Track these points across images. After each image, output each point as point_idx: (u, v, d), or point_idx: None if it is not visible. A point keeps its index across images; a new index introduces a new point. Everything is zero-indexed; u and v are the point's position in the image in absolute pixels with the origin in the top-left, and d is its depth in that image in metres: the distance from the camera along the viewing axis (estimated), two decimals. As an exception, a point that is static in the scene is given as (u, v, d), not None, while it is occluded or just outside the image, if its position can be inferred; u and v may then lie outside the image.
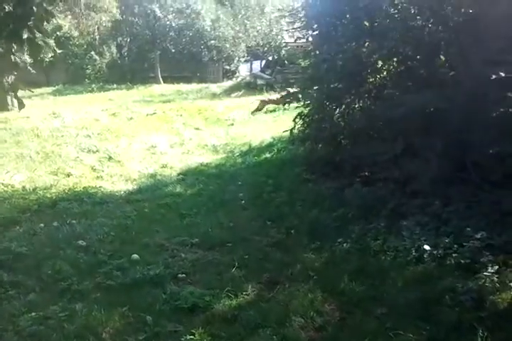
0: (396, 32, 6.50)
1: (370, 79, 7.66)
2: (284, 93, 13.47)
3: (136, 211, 7.19)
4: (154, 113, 15.07)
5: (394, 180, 6.84)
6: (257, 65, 22.82)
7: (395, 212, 6.19)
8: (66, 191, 8.15)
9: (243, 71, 26.88)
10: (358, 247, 5.49)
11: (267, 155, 10.04)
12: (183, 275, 5.16)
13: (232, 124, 13.39)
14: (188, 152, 10.79)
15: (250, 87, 18.53)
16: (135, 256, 5.62)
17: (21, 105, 5.73)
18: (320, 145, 8.34)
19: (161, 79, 24.07)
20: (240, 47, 23.71)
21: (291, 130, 9.34)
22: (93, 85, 23.19)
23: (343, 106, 7.58)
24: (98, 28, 27.23)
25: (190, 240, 6.02)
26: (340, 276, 4.86)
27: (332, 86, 7.60)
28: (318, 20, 8.09)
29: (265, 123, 13.43)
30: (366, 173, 7.45)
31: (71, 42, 26.54)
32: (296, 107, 9.78)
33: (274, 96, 15.62)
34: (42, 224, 6.76)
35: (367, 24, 7.54)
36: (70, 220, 6.85)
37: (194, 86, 22.11)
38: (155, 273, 5.09)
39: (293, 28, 18.68)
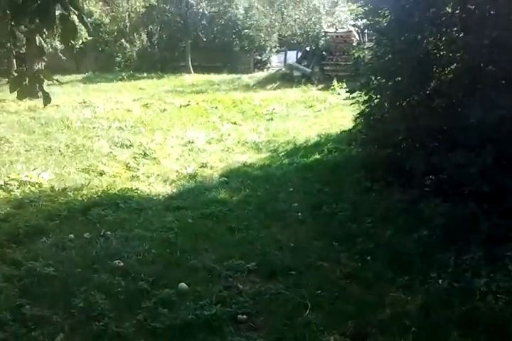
0: (499, 18, 5.22)
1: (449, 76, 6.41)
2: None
3: (179, 221, 6.08)
4: (188, 104, 13.92)
5: (483, 195, 5.61)
6: (291, 56, 21.46)
7: (491, 236, 4.99)
8: (99, 193, 7.08)
9: (274, 62, 25.56)
10: (457, 286, 4.31)
11: (317, 156, 8.84)
12: (244, 316, 4.05)
13: (272, 119, 12.18)
14: (228, 149, 9.64)
15: (286, 78, 17.22)
16: (183, 285, 4.53)
17: (47, 99, 4.55)
18: (381, 149, 7.12)
19: (191, 69, 22.86)
20: (272, 37, 22.37)
21: (350, 130, 8.16)
22: (123, 73, 22.05)
23: (418, 105, 6.32)
24: (129, 15, 26.05)
25: (245, 264, 4.90)
26: (447, 329, 3.70)
27: (406, 81, 6.34)
28: (391, 4, 6.79)
29: (306, 119, 12.20)
30: (443, 185, 6.22)
31: (101, 29, 25.39)
32: (351, 103, 8.54)
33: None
34: (72, 235, 5.72)
35: (449, 10, 6.29)
36: (104, 231, 5.79)
37: (225, 76, 20.85)
38: (210, 313, 4.00)
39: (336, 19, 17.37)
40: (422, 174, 6.67)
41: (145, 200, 6.89)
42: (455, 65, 5.99)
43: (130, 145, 9.74)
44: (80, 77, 21.90)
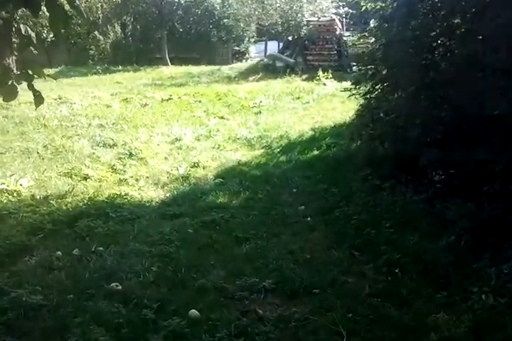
0: None
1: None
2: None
3: (178, 232, 5.42)
4: (170, 98, 13.13)
5: (508, 194, 5.12)
6: (272, 46, 20.75)
7: (526, 241, 4.51)
8: (85, 201, 6.36)
9: (253, 52, 24.81)
10: (504, 301, 3.79)
11: (315, 152, 8.25)
12: (272, 350, 3.46)
13: (260, 112, 11.52)
14: (219, 147, 8.96)
15: (269, 69, 16.51)
16: (194, 312, 3.90)
17: (39, 99, 3.76)
18: (389, 144, 6.56)
19: (168, 61, 21.91)
20: (251, 27, 21.58)
21: (349, 123, 7.59)
22: (98, 67, 20.96)
23: (434, 97, 5.74)
24: (102, 6, 24.86)
25: (260, 282, 4.29)
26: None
27: (420, 70, 5.75)
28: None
29: (296, 112, 11.58)
30: (460, 183, 5.71)
31: (73, 21, 24.19)
32: (350, 95, 7.96)
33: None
34: (59, 252, 5.02)
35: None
36: (96, 246, 5.10)
37: (204, 68, 19.98)
38: (233, 350, 3.39)
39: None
40: (436, 171, 6.18)
41: (137, 208, 6.20)
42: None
43: (113, 145, 8.97)
44: (52, 71, 20.63)
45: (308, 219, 5.70)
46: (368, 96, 7.44)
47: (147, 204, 6.39)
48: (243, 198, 6.46)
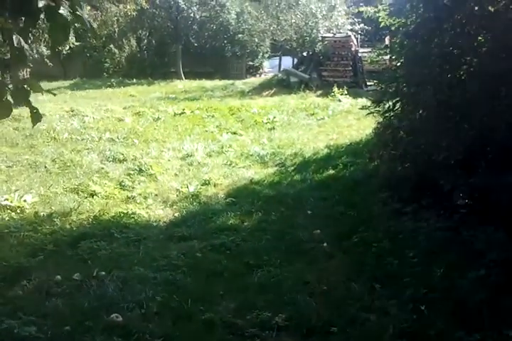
0: None
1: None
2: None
3: (186, 256, 5.05)
4: (183, 112, 12.85)
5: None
6: (286, 62, 20.52)
7: None
8: (90, 220, 6.04)
9: (266, 67, 24.63)
10: (546, 349, 3.36)
11: (331, 171, 7.86)
12: None
13: (274, 128, 11.19)
14: (231, 163, 8.61)
15: (282, 84, 16.22)
16: (200, 352, 3.50)
17: (36, 117, 3.42)
18: (412, 165, 6.17)
19: (182, 75, 21.78)
20: (265, 42, 21.39)
21: (367, 142, 7.22)
22: (112, 80, 20.86)
23: (463, 117, 5.34)
24: (117, 20, 24.90)
25: (273, 317, 3.89)
26: None
27: (446, 89, 5.38)
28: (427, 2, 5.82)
29: (310, 128, 11.23)
30: (489, 210, 5.28)
31: (89, 35, 24.22)
32: (369, 113, 7.59)
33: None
34: (59, 277, 4.67)
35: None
36: (98, 271, 4.74)
37: (218, 82, 19.79)
38: None
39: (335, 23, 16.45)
40: (462, 196, 5.77)
41: (144, 228, 5.85)
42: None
43: (123, 160, 8.67)
44: (67, 83, 20.71)
45: (325, 244, 5.29)
46: (388, 114, 7.08)
47: (154, 224, 6.04)
48: (255, 220, 6.08)
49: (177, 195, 7.07)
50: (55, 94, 3.55)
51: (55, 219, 6.02)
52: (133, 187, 7.34)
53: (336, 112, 12.55)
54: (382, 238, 5.25)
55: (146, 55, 24.54)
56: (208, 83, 19.62)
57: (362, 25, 16.81)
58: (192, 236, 5.59)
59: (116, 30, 25.00)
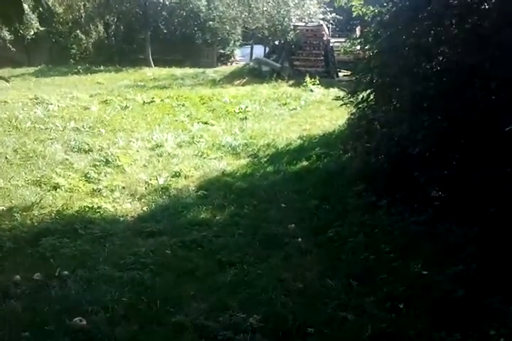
0: None
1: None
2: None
3: (154, 254, 4.79)
4: (152, 101, 12.43)
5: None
6: (258, 50, 20.15)
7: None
8: (53, 215, 5.69)
9: (237, 56, 24.24)
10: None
11: (304, 163, 7.67)
12: None
13: (245, 118, 10.91)
14: (202, 154, 8.32)
15: (254, 73, 15.91)
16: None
17: None
18: (385, 158, 6.02)
19: (151, 62, 21.18)
20: (237, 30, 20.97)
21: (340, 133, 7.06)
22: (79, 66, 20.11)
23: (439, 109, 5.19)
24: (84, 5, 24.02)
25: (247, 319, 3.68)
26: None
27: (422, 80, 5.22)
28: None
29: (283, 118, 10.99)
30: (464, 204, 5.17)
31: (55, 19, 23.25)
32: (342, 104, 7.41)
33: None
34: (18, 276, 4.35)
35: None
36: (60, 270, 4.44)
37: (188, 70, 19.32)
38: None
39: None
40: (436, 189, 5.67)
41: (110, 223, 5.54)
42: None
43: (89, 150, 8.28)
44: (31, 70, 19.86)
45: (300, 239, 5.10)
46: (362, 105, 6.91)
47: (121, 219, 5.74)
48: (228, 214, 5.84)
49: (146, 188, 6.77)
50: (8, 81, 3.22)
51: (15, 214, 5.65)
52: (99, 180, 6.99)
53: (308, 102, 12.35)
54: (358, 232, 5.09)
55: (114, 42, 23.81)
56: (178, 71, 19.14)
57: (334, 14, 16.61)
58: (161, 231, 5.31)
59: (83, 15, 24.13)
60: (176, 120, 10.71)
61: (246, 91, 13.89)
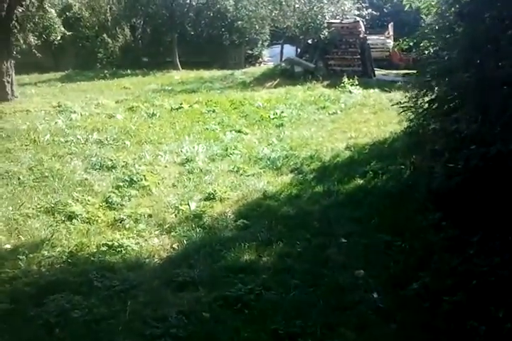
0: None
1: None
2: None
3: (188, 319, 3.55)
4: (180, 107, 11.25)
5: None
6: (288, 50, 18.84)
7: None
8: (64, 257, 4.52)
9: (266, 56, 22.94)
10: None
11: (359, 180, 6.33)
12: None
13: (282, 125, 9.63)
14: (238, 170, 7.08)
15: (286, 74, 14.59)
16: None
17: None
18: (472, 180, 4.65)
19: (179, 65, 20.06)
20: (265, 30, 19.67)
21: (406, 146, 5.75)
22: (105, 71, 19.12)
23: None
24: (110, 8, 23.07)
25: None
26: None
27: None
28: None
29: (323, 124, 9.66)
30: None
31: (81, 24, 22.39)
32: (403, 110, 6.07)
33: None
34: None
35: None
36: (66, 348, 3.25)
37: (216, 72, 18.10)
38: None
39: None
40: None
41: (133, 269, 4.33)
42: None
43: (112, 167, 7.11)
44: (58, 75, 18.94)
45: (375, 295, 3.80)
46: (433, 112, 5.57)
47: (147, 261, 4.52)
48: (277, 253, 4.56)
49: (175, 215, 5.55)
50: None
51: (21, 256, 4.50)
52: (122, 205, 5.80)
53: (348, 105, 10.98)
54: (452, 286, 3.75)
55: (141, 45, 22.86)
56: (205, 73, 17.95)
57: (369, 10, 15.13)
58: (196, 281, 4.07)
59: (109, 18, 23.22)
60: (207, 128, 9.48)
61: (279, 94, 12.58)
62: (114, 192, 6.15)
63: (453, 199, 4.85)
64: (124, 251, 4.64)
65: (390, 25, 21.69)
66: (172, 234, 5.08)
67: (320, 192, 6.11)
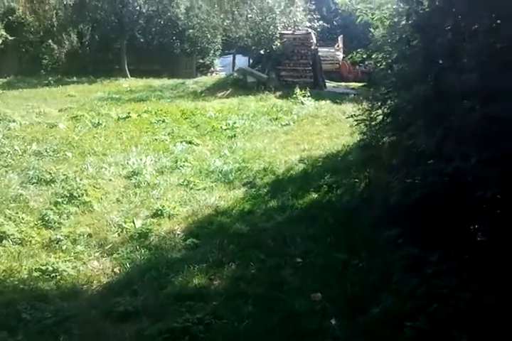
0: None
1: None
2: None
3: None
4: (128, 116, 10.74)
5: None
6: (240, 60, 18.63)
7: None
8: (-11, 285, 4.00)
9: (217, 66, 22.66)
10: None
11: (313, 195, 6.10)
12: None
13: (234, 136, 9.32)
14: (189, 183, 6.69)
15: (239, 84, 14.34)
16: None
17: None
18: (429, 196, 4.51)
19: (128, 73, 19.43)
20: (217, 39, 19.40)
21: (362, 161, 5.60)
22: (50, 78, 18.20)
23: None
24: (56, 14, 22.11)
25: None
26: None
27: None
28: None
29: (276, 136, 9.43)
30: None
31: (25, 29, 21.32)
32: (358, 123, 5.93)
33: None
34: None
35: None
36: None
37: (167, 81, 17.62)
38: None
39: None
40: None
41: (68, 298, 3.88)
42: None
43: (50, 181, 6.55)
44: (-1, 82, 17.89)
45: (334, 322, 3.53)
46: (388, 126, 5.44)
47: (84, 288, 4.07)
48: (229, 276, 4.23)
49: (118, 234, 5.12)
50: None
51: None
52: (59, 224, 5.30)
53: (301, 117, 10.82)
54: (414, 310, 3.54)
55: (88, 51, 21.95)
56: (155, 82, 17.45)
57: (321, 22, 15.18)
58: (139, 310, 3.68)
59: (55, 23, 22.24)
60: (156, 139, 9.04)
61: (232, 104, 12.29)
62: (51, 209, 5.63)
63: (410, 216, 4.70)
64: (58, 277, 4.17)
65: (340, 38, 21.97)
66: (114, 255, 4.65)
67: (274, 207, 5.83)
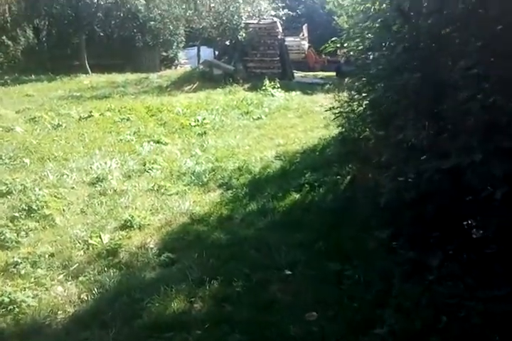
0: None
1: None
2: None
3: None
4: (90, 115, 10.04)
5: None
6: (205, 52, 17.92)
7: None
8: None
9: (182, 59, 21.88)
10: None
11: (295, 195, 5.65)
12: None
13: (205, 133, 8.77)
14: (159, 188, 6.14)
15: (205, 77, 13.72)
16: None
17: None
18: (425, 194, 4.11)
19: (88, 68, 18.46)
20: (180, 31, 18.62)
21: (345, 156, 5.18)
22: (6, 77, 17.10)
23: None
24: (9, 8, 20.80)
25: None
26: None
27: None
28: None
29: (249, 131, 8.93)
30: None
31: (-24, 25, 20.01)
32: (337, 116, 5.48)
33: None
34: None
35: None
36: None
37: (130, 76, 16.80)
38: None
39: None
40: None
41: (28, 335, 3.30)
42: None
43: (6, 193, 5.88)
44: None
45: (334, 348, 3.10)
46: (369, 119, 5.02)
47: (47, 322, 3.49)
48: (211, 296, 3.73)
49: (84, 252, 4.54)
50: None
51: None
52: (17, 243, 4.68)
53: (272, 109, 10.36)
54: (422, 328, 3.14)
55: (46, 47, 20.82)
56: (118, 77, 16.64)
57: (286, 10, 14.66)
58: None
59: (9, 19, 20.94)
60: (121, 139, 8.40)
61: (199, 98, 11.70)
62: (7, 226, 4.99)
63: (403, 216, 4.30)
64: (17, 310, 3.59)
65: (305, 27, 21.52)
66: (80, 278, 4.07)
67: (254, 211, 5.34)
